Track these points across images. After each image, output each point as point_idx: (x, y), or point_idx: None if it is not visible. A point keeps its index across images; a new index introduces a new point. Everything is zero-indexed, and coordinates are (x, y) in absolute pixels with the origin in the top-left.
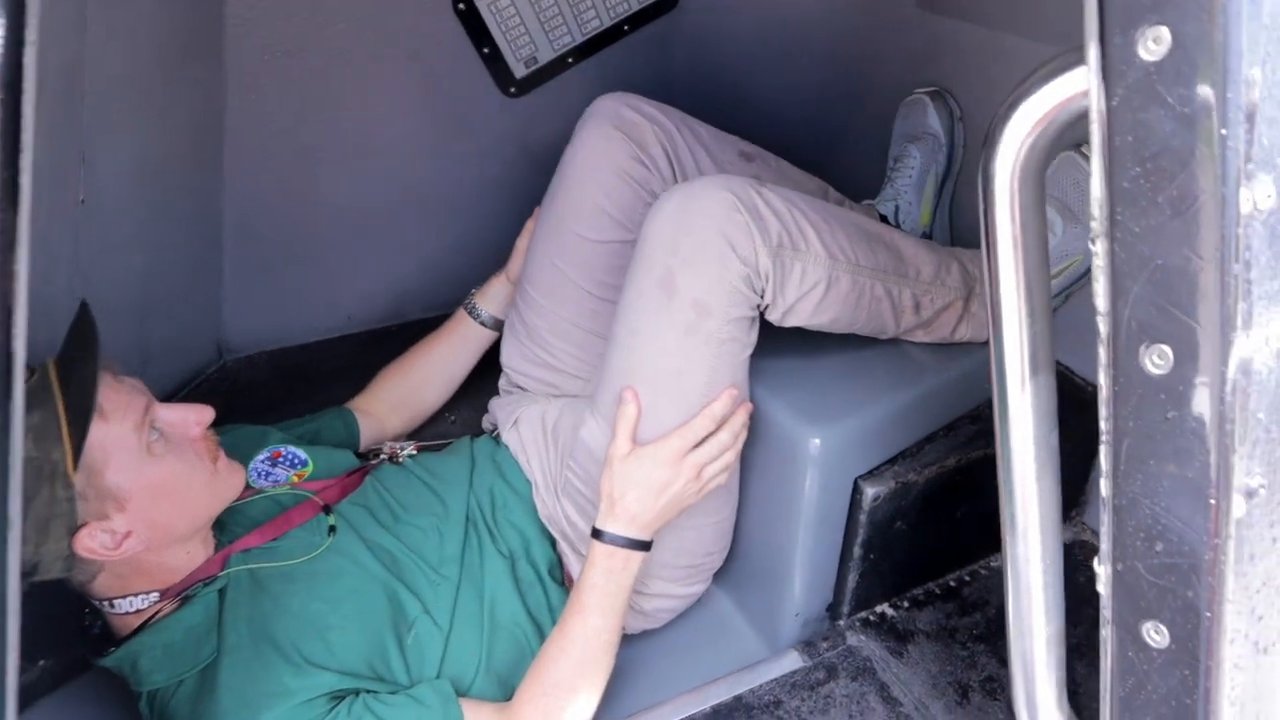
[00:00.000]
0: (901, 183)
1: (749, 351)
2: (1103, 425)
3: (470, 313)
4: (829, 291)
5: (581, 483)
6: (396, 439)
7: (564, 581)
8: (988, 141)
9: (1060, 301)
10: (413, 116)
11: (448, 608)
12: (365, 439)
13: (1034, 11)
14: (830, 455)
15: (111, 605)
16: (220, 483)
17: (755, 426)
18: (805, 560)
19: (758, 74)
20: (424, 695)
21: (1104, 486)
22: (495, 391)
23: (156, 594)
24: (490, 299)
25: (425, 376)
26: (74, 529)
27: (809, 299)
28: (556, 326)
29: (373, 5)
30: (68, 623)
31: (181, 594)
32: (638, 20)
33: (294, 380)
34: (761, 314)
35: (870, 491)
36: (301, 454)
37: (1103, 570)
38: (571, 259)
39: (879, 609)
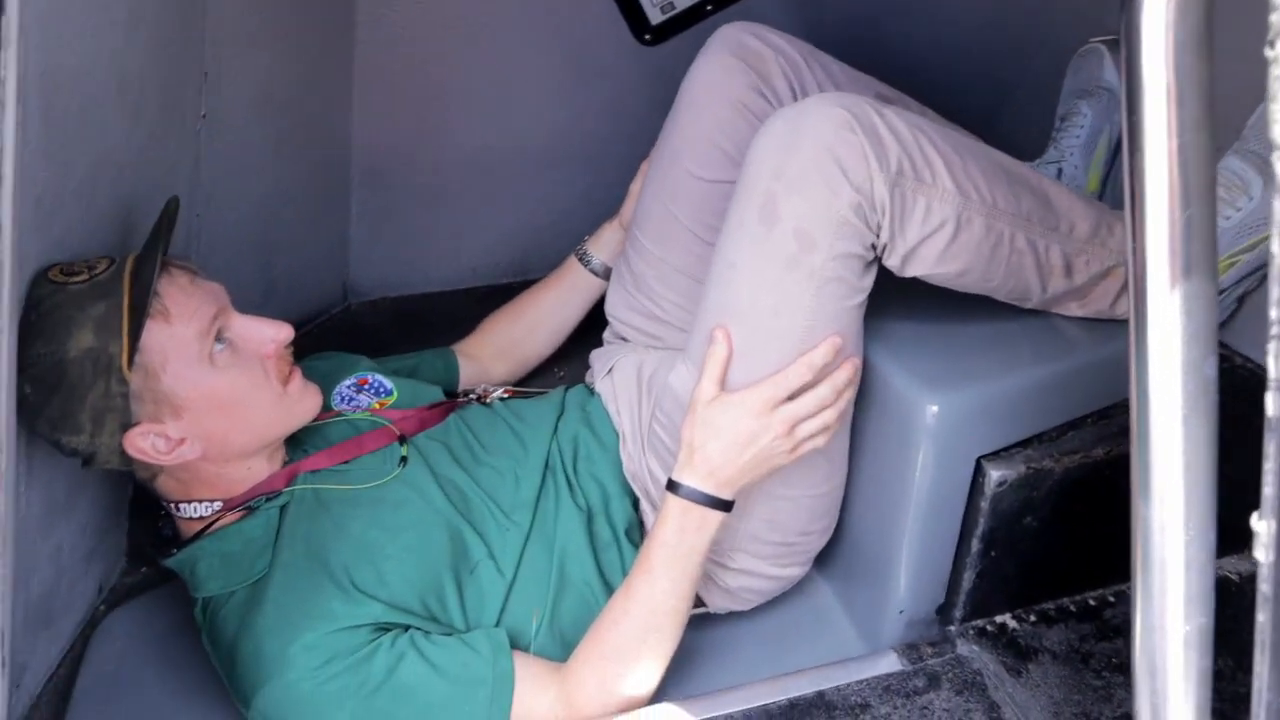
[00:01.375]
0: (1067, 143)
1: (860, 299)
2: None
3: (581, 260)
4: (958, 235)
5: (666, 434)
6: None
7: (641, 544)
8: None
9: (1255, 283)
10: (545, 60)
11: (514, 555)
12: (465, 382)
13: None
14: (949, 427)
15: (177, 508)
16: (288, 405)
17: (867, 391)
18: (914, 550)
19: (912, 23)
20: (476, 640)
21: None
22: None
23: (219, 503)
24: (602, 246)
25: (532, 324)
26: (127, 426)
27: (933, 242)
28: (663, 274)
29: None
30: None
31: (244, 505)
32: None
33: (414, 328)
34: (879, 259)
35: (995, 474)
36: (388, 383)
37: (1263, 527)
38: (682, 200)
39: (999, 619)
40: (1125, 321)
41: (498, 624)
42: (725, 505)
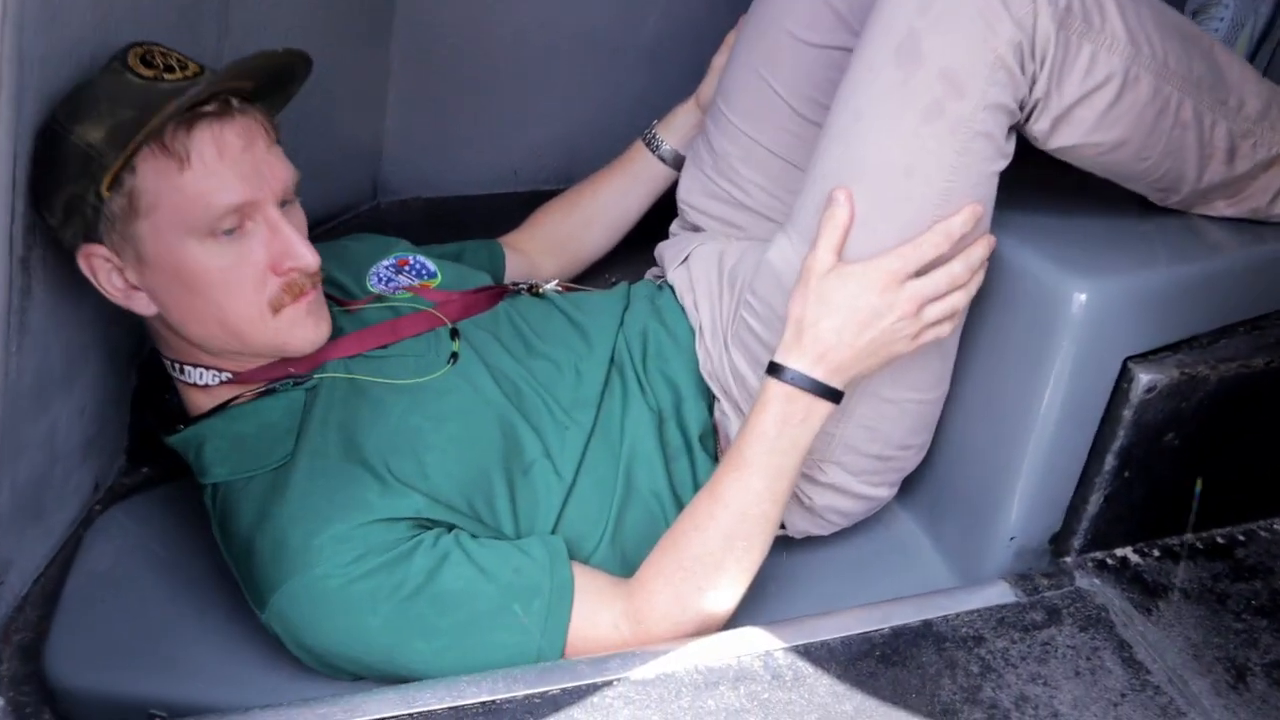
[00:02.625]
0: None
1: (1001, 165)
2: None
3: (649, 144)
4: (1123, 94)
5: (759, 322)
6: None
7: (717, 455)
8: None
9: None
10: None
11: (574, 457)
12: (511, 278)
13: None
14: (1097, 320)
15: (180, 371)
16: (268, 331)
17: (989, 281)
18: (1037, 467)
19: None
20: (530, 546)
21: None
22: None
23: (228, 374)
24: (674, 129)
25: (589, 216)
26: (90, 239)
27: (1095, 101)
28: (751, 153)
29: None
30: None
31: (265, 384)
32: None
33: (447, 232)
34: (1024, 123)
35: (1145, 378)
36: (430, 265)
37: None
38: (780, 67)
39: (1120, 552)
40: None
41: (553, 532)
42: (835, 396)
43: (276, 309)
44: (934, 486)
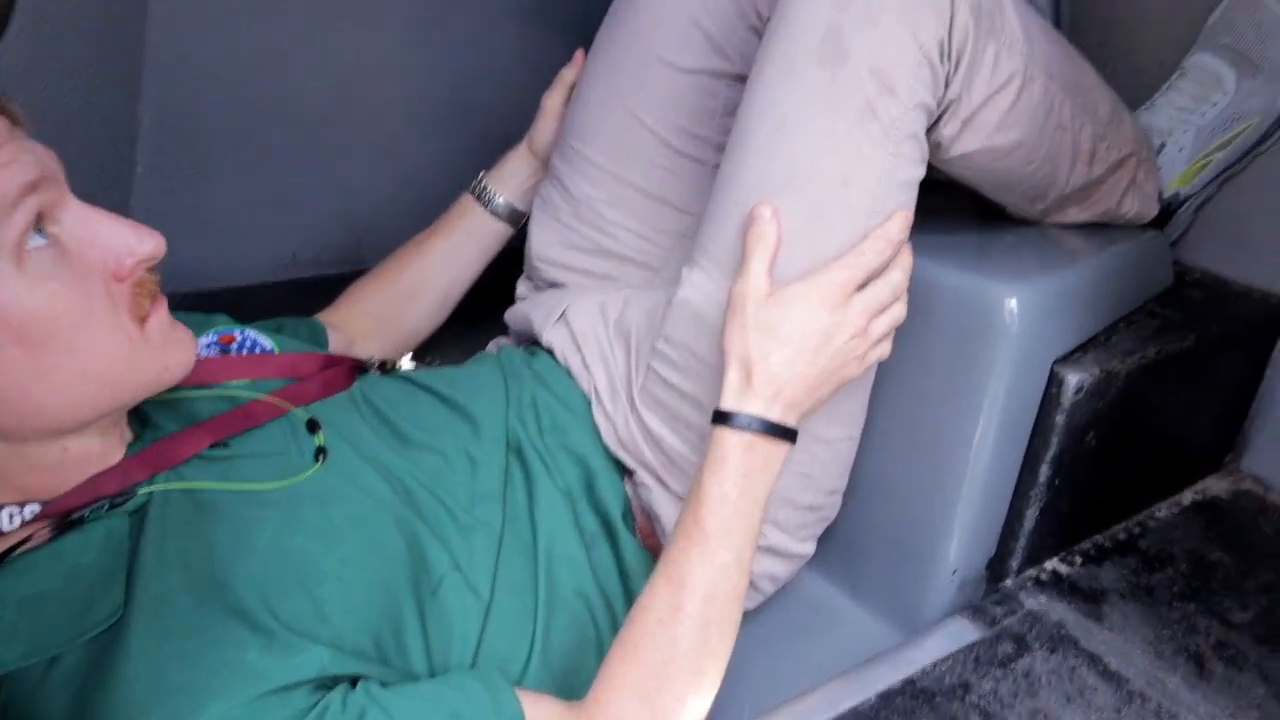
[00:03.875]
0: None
1: (923, 171)
2: None
3: (480, 198)
4: (1021, 95)
5: (679, 373)
6: None
7: (637, 532)
8: None
9: (1215, 189)
10: None
11: (487, 566)
12: None
13: None
14: (1028, 325)
15: None
16: (147, 355)
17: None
18: (976, 488)
19: None
20: (462, 681)
21: None
22: (497, 325)
23: (35, 506)
24: (506, 179)
25: (416, 285)
26: None
27: (998, 102)
28: (618, 195)
29: None
30: None
31: (69, 515)
32: None
33: None
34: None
35: (1073, 380)
36: (265, 341)
37: None
38: (648, 96)
39: (1049, 565)
40: (1123, 228)
41: (473, 662)
42: (792, 436)
43: (142, 319)
44: (849, 534)
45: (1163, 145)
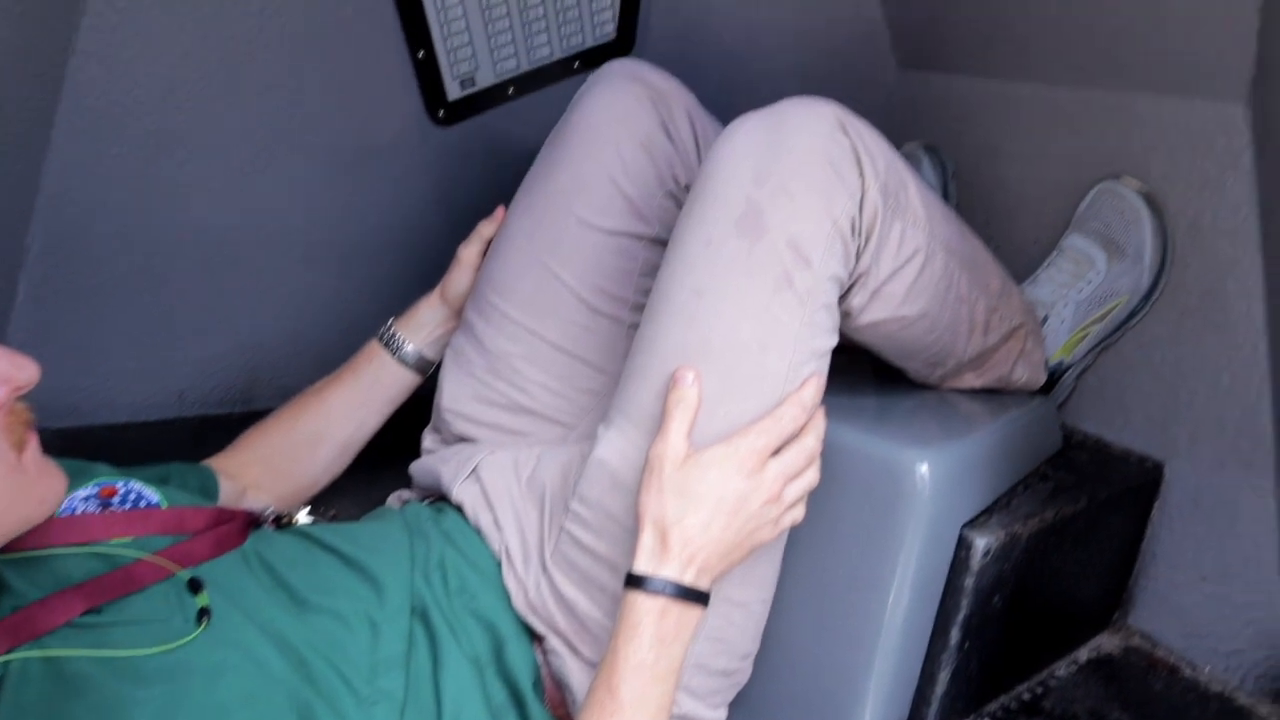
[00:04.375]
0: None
1: (835, 341)
2: None
3: (388, 345)
4: (925, 269)
5: (593, 534)
6: None
7: (547, 702)
8: None
9: (1094, 358)
10: (311, 123)
11: None
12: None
13: (1027, 52)
14: (939, 490)
15: None
16: (22, 485)
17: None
18: (890, 654)
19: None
20: None
21: None
22: (399, 477)
23: None
24: (416, 327)
25: (316, 433)
26: None
27: (903, 275)
28: (534, 350)
29: None
30: None
31: None
32: (590, 59)
33: None
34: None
35: (980, 543)
36: (151, 493)
37: None
38: (567, 254)
39: None
40: (1015, 393)
41: None
42: (705, 599)
43: (20, 447)
44: (762, 699)
45: (1046, 317)
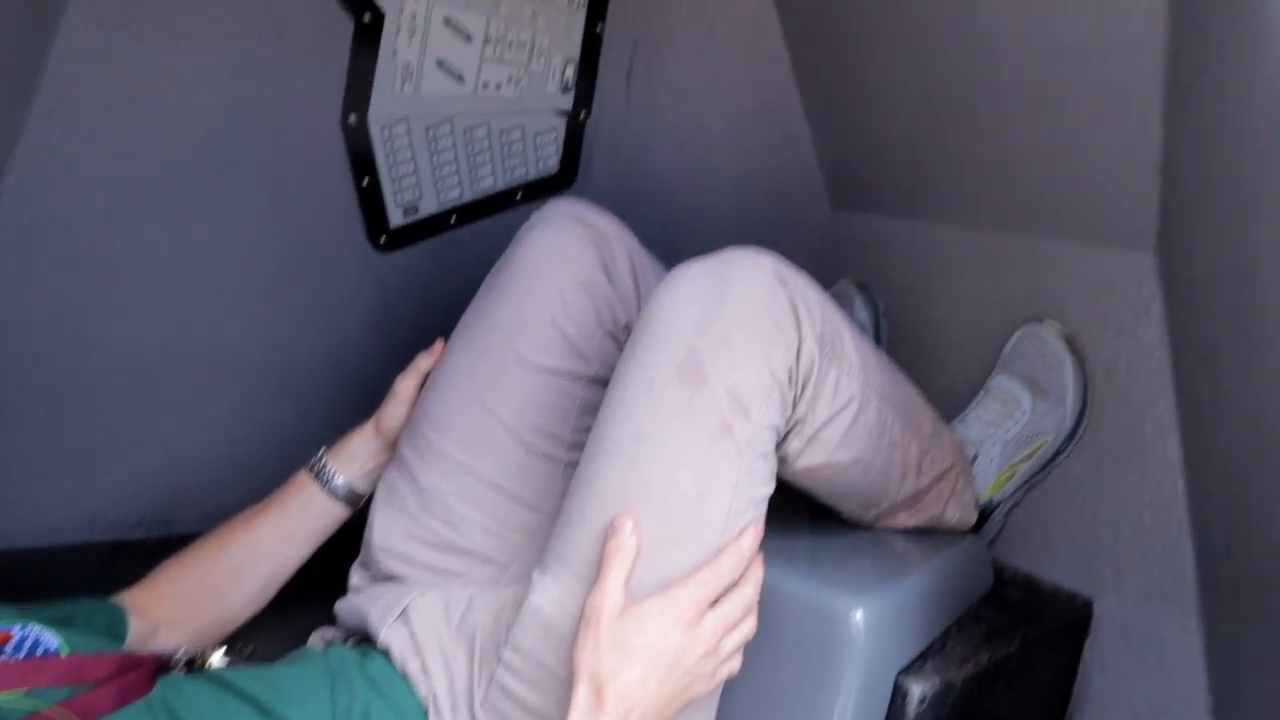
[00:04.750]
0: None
1: (771, 489)
2: None
3: (318, 477)
4: (859, 416)
5: (526, 684)
6: None
7: None
8: None
9: (1022, 496)
10: (251, 244)
11: None
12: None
13: (953, 198)
14: (874, 637)
15: None
16: None
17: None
18: None
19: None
20: None
21: None
22: (322, 613)
23: None
24: (348, 459)
25: (237, 567)
26: None
27: (838, 423)
28: (469, 489)
29: (245, 83)
30: None
31: None
32: (533, 191)
33: None
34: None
35: (916, 691)
36: (51, 639)
37: None
38: (505, 392)
39: None
40: (948, 532)
41: None
42: None
43: None
44: None
45: (976, 455)
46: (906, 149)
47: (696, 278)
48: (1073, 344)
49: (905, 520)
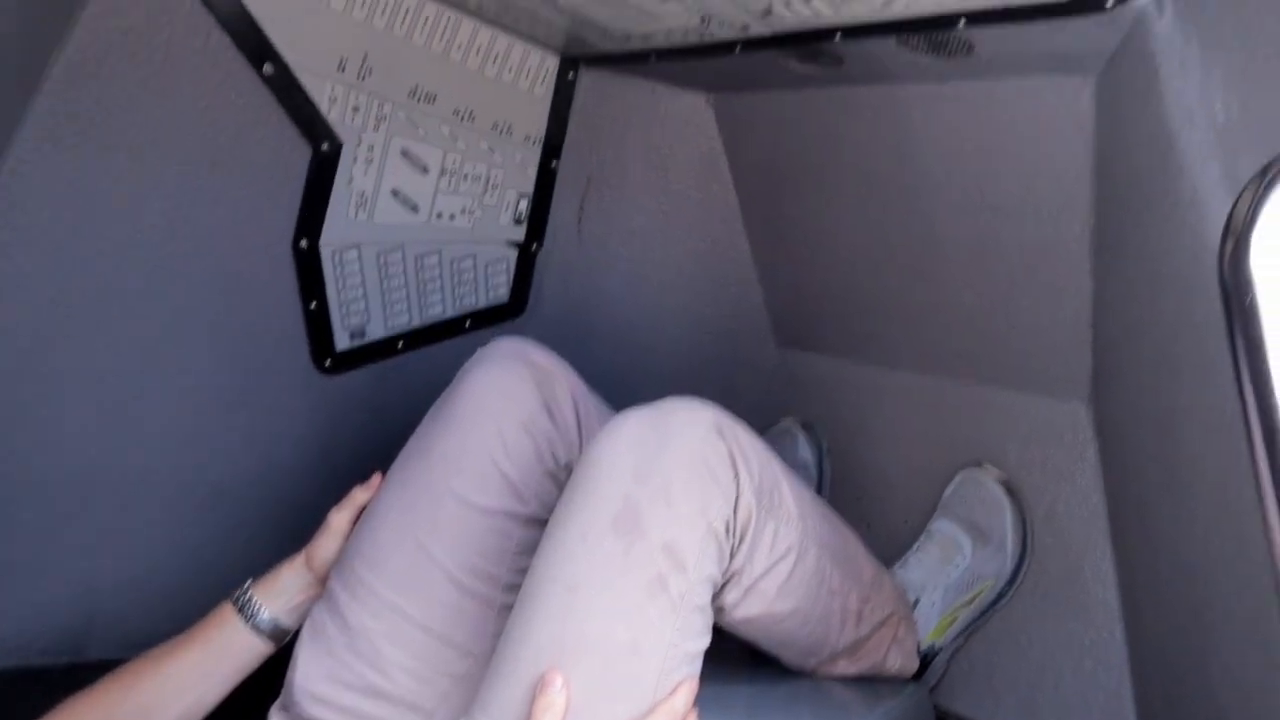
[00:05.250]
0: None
1: (707, 642)
2: None
3: (242, 611)
4: (797, 566)
5: None
6: None
7: None
8: (1232, 230)
9: (964, 640)
10: (190, 360)
11: None
12: None
13: (894, 342)
14: None
15: None
16: None
17: None
18: None
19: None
20: None
21: None
22: None
23: None
24: (276, 593)
25: (148, 706)
26: None
27: (776, 574)
28: (398, 630)
29: (197, 204)
30: None
31: None
32: (482, 319)
33: None
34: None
35: None
36: None
37: None
38: (441, 531)
39: None
40: (889, 680)
41: None
42: None
43: None
44: None
45: (917, 600)
46: (849, 293)
47: (636, 426)
48: (1011, 489)
49: (846, 668)
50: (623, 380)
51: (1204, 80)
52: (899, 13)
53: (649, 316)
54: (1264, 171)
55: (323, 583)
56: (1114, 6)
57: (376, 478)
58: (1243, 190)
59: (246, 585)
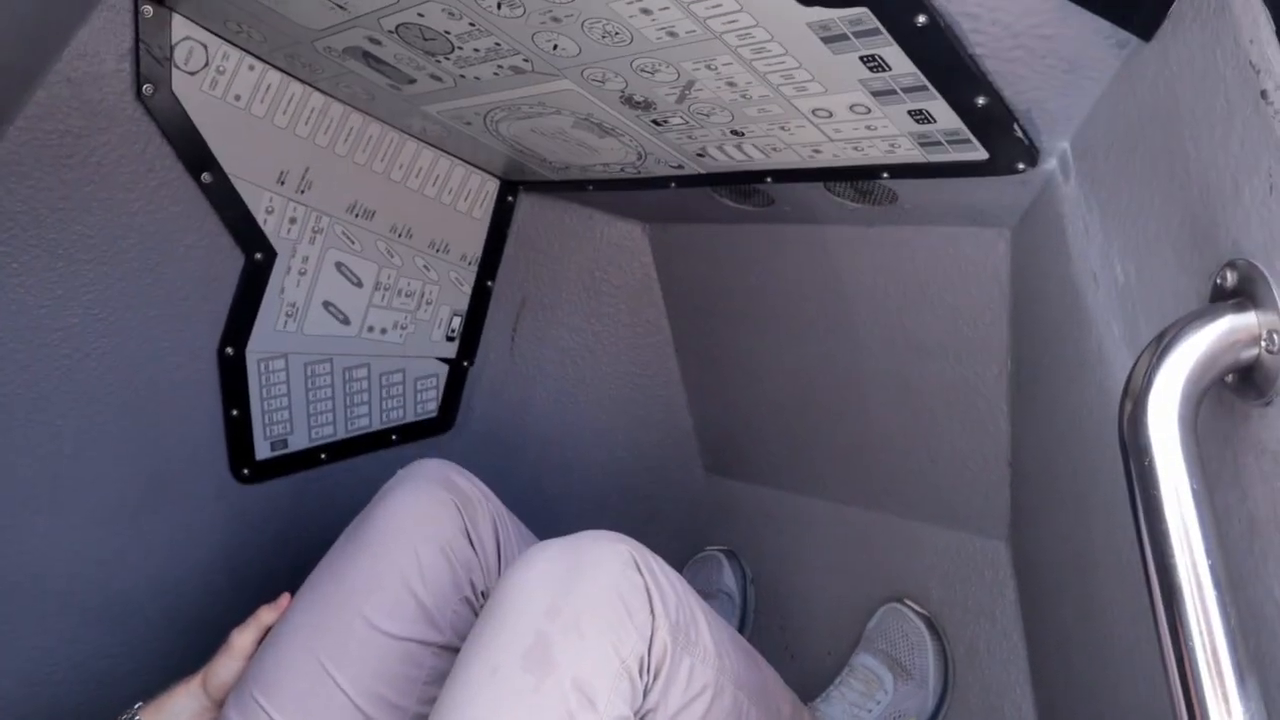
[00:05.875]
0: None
1: None
2: None
3: None
4: (714, 704)
5: None
6: None
7: None
8: (1131, 392)
9: None
10: (100, 461)
11: None
12: None
13: (821, 473)
14: None
15: None
16: None
17: None
18: None
19: (532, 522)
20: None
21: None
22: None
23: None
24: (168, 715)
25: None
26: None
27: (692, 711)
28: None
29: (121, 305)
30: None
31: None
32: (410, 433)
33: None
34: None
35: None
36: None
37: None
38: (347, 656)
39: None
40: None
41: None
42: None
43: None
44: None
45: None
46: (776, 423)
47: (551, 559)
48: (933, 625)
49: None
50: (549, 500)
51: (1105, 244)
52: (826, 162)
53: (577, 437)
54: (1158, 339)
55: (218, 706)
56: (1024, 170)
57: (285, 598)
58: (1140, 355)
59: (136, 708)
